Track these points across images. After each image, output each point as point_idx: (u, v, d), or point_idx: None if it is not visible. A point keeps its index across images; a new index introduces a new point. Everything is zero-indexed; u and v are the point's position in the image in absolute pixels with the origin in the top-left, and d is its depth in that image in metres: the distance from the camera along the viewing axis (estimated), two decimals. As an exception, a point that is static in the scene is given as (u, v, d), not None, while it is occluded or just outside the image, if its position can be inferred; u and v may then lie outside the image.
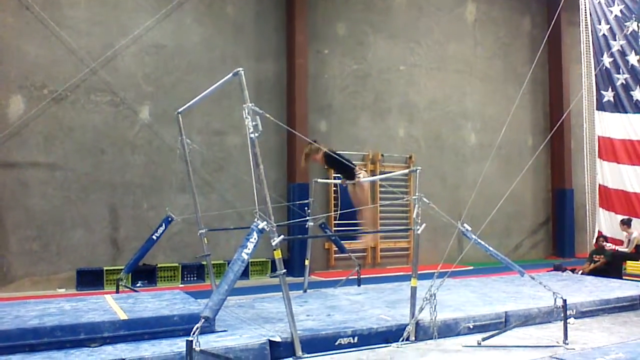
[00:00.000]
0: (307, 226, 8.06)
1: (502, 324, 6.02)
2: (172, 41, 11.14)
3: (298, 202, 9.36)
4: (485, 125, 14.70)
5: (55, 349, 4.69)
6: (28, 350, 4.64)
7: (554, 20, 11.86)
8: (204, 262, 9.73)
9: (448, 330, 5.71)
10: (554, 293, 5.45)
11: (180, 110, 7.08)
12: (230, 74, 5.49)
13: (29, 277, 9.83)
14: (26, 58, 9.93)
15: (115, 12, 10.62)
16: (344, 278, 8.84)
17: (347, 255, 9.77)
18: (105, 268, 10.16)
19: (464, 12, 14.65)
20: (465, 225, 5.81)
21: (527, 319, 5.98)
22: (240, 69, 5.32)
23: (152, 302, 5.91)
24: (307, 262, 8.27)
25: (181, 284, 10.51)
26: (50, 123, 10.07)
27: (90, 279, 10.02)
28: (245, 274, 10.30)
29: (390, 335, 5.43)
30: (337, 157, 6.88)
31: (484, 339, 5.40)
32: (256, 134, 5.07)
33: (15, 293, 9.42)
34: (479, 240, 5.77)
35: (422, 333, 5.53)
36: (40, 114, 9.96)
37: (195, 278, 10.84)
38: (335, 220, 11.66)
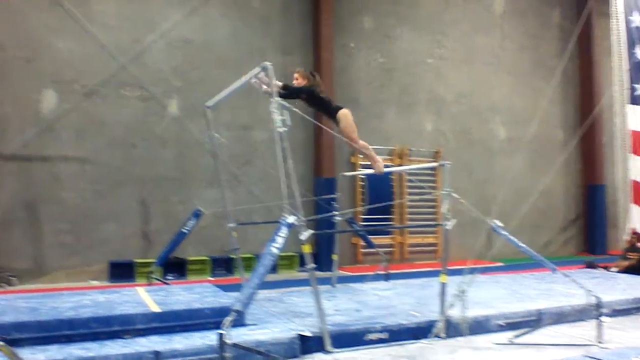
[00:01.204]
0: (334, 221, 8.06)
1: (534, 321, 5.94)
2: (199, 35, 11.22)
3: (325, 197, 9.36)
4: (513, 119, 14.49)
5: (90, 340, 4.77)
6: (64, 341, 4.72)
7: (584, 12, 11.60)
8: (233, 256, 9.79)
9: (479, 327, 5.66)
10: (587, 291, 5.36)
11: (208, 104, 7.12)
12: (258, 68, 5.51)
13: (63, 269, 10.04)
14: (58, 54, 10.11)
15: (143, 7, 10.74)
16: (372, 273, 8.84)
17: (374, 250, 9.77)
18: (136, 260, 10.33)
19: (491, 3, 14.44)
20: (495, 221, 5.75)
21: (560, 317, 5.90)
22: (268, 62, 5.33)
23: (183, 295, 5.99)
24: (334, 257, 8.28)
25: (211, 277, 10.62)
26: (81, 118, 10.25)
27: (122, 271, 10.19)
28: (273, 268, 10.33)
29: (419, 332, 5.42)
30: (322, 97, 6.46)
31: (515, 337, 5.35)
32: (284, 129, 5.08)
33: (49, 285, 9.63)
34: (510, 236, 5.71)
35: (452, 330, 5.49)
36: (72, 109, 10.15)
37: (224, 271, 10.95)
38: (362, 214, 11.64)
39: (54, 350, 4.52)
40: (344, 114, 6.34)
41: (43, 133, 9.96)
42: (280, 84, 6.04)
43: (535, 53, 14.94)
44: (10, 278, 9.54)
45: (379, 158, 6.80)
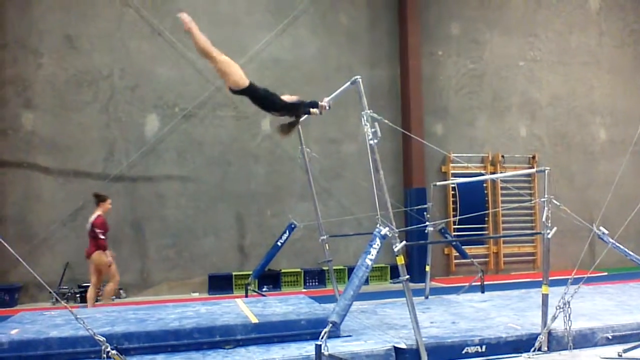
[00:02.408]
0: (426, 231, 7.97)
1: (645, 335, 5.57)
2: (289, 54, 11.55)
3: (416, 207, 9.29)
4: (615, 120, 13.68)
5: (193, 350, 5.00)
6: (170, 351, 4.98)
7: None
8: (325, 268, 9.96)
9: (584, 340, 5.38)
10: None
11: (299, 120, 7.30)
12: (349, 82, 5.59)
13: (166, 282, 10.63)
14: (159, 80, 10.78)
15: (235, 31, 11.22)
16: (466, 284, 8.64)
17: (468, 260, 9.54)
18: (234, 273, 10.73)
19: (586, 0, 13.76)
20: (601, 228, 5.46)
21: (675, 330, 5.48)
22: (358, 77, 5.41)
23: (280, 307, 6.15)
24: (427, 268, 8.18)
25: (304, 288, 10.82)
26: (182, 138, 10.85)
27: (220, 284, 10.62)
28: (365, 280, 10.38)
29: (520, 345, 5.23)
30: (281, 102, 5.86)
31: (625, 351, 5.03)
32: (375, 140, 5.12)
33: (154, 297, 10.23)
34: (617, 244, 5.40)
35: (555, 343, 5.25)
36: (173, 131, 10.77)
37: (316, 283, 11.12)
38: (454, 224, 11.42)
39: (160, 359, 4.79)
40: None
41: (147, 155, 10.64)
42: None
43: (637, 49, 14.06)
44: (120, 291, 10.22)
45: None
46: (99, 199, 8.53)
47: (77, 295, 9.85)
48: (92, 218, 8.32)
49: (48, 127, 10.26)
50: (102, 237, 8.20)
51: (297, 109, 5.87)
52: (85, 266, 10.17)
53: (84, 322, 4.24)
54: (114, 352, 4.19)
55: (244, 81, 5.66)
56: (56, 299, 8.96)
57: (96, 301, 8.40)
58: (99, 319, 5.59)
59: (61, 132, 10.30)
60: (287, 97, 5.86)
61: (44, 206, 10.14)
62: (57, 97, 10.32)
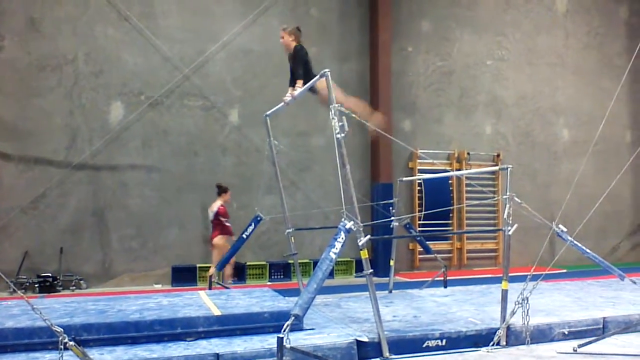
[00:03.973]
0: (391, 226, 8.02)
1: (599, 330, 5.73)
2: (259, 45, 11.46)
3: (382, 202, 9.36)
4: (578, 121, 14.01)
5: (154, 342, 4.94)
6: (130, 343, 4.91)
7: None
8: (291, 261, 9.93)
9: (541, 335, 5.51)
10: (658, 299, 5.13)
11: (268, 113, 7.28)
12: (318, 75, 5.58)
13: (128, 273, 10.46)
14: (125, 66, 10.57)
15: (205, 19, 11.08)
16: (429, 279, 8.75)
17: (432, 256, 9.64)
18: (198, 265, 10.63)
19: (554, 2, 14.04)
20: (560, 226, 5.59)
21: (628, 326, 5.65)
22: (327, 70, 5.39)
23: (243, 299, 6.12)
24: (392, 263, 8.25)
25: (269, 281, 10.81)
26: (147, 127, 10.67)
27: (184, 275, 10.52)
28: (330, 273, 10.41)
29: (479, 339, 5.32)
30: (305, 59, 6.41)
31: (580, 346, 5.17)
32: (342, 135, 5.12)
33: (116, 288, 10.08)
34: (576, 242, 5.54)
35: (514, 338, 5.37)
36: (138, 119, 10.58)
37: (282, 276, 11.12)
38: (420, 220, 11.54)
39: (120, 351, 4.71)
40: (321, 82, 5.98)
41: (111, 143, 10.43)
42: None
43: (601, 52, 14.41)
44: (80, 282, 10.03)
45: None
46: (221, 189, 9.56)
47: (36, 286, 9.63)
48: (215, 207, 9.39)
49: (9, 112, 9.96)
50: (228, 224, 9.37)
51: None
52: (44, 255, 9.99)
53: (40, 313, 4.13)
54: (71, 343, 4.10)
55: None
56: (13, 289, 8.73)
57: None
58: (57, 310, 5.48)
59: (23, 117, 10.02)
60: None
61: (3, 193, 9.85)
62: (19, 82, 10.02)
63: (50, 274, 9.77)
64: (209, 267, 10.04)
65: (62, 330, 4.11)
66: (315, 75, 5.87)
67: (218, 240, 9.41)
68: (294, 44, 6.57)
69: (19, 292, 4.64)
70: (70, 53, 10.29)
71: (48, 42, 10.17)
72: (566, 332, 5.63)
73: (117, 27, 10.54)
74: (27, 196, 9.91)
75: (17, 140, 9.96)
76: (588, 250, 6.04)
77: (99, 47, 10.46)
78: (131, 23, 10.54)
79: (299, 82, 6.24)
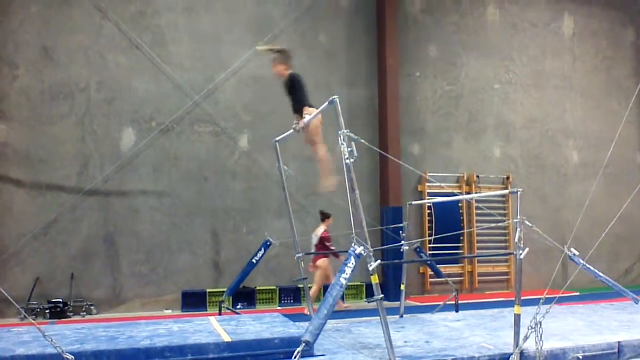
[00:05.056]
0: (401, 250, 7.99)
1: (614, 354, 5.64)
2: (268, 72, 11.41)
3: (392, 226, 9.33)
4: (588, 143, 14.00)
5: (165, 369, 4.93)
6: (141, 369, 4.90)
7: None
8: (301, 285, 9.90)
9: (555, 360, 5.43)
10: (673, 323, 5.05)
11: (277, 139, 7.33)
12: (326, 102, 5.63)
13: (138, 299, 10.46)
14: (136, 93, 10.73)
15: (215, 47, 11.24)
16: (441, 303, 8.67)
17: (443, 279, 9.61)
18: (208, 290, 10.61)
19: (560, 26, 14.14)
20: (572, 249, 5.54)
21: (643, 351, 5.57)
22: (336, 96, 5.43)
23: (253, 325, 6.09)
24: (402, 287, 8.19)
25: (278, 306, 10.76)
26: (158, 153, 10.77)
27: (194, 301, 10.50)
28: (341, 298, 10.37)
29: (492, 364, 5.25)
30: (301, 85, 6.31)
31: (595, 371, 5.10)
32: (351, 160, 5.14)
33: (126, 313, 10.07)
34: (588, 266, 5.49)
35: (527, 363, 5.29)
36: (149, 145, 10.69)
37: (292, 300, 11.06)
38: (430, 243, 11.49)
39: (132, 377, 4.70)
40: (312, 111, 6.10)
41: (122, 169, 10.53)
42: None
43: (609, 74, 14.46)
44: (91, 307, 10.04)
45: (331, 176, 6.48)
46: (324, 215, 10.09)
47: (47, 311, 9.64)
48: (319, 232, 9.87)
49: (22, 139, 10.10)
50: (333, 247, 9.85)
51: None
52: (55, 281, 10.02)
53: (52, 340, 4.15)
54: (82, 370, 4.10)
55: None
56: (24, 315, 8.73)
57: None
58: (68, 336, 5.47)
59: (35, 144, 10.16)
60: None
61: (15, 219, 9.94)
62: (32, 109, 10.18)
63: (61, 300, 9.78)
64: (220, 291, 10.02)
65: (73, 357, 4.12)
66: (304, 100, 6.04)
67: (322, 262, 9.84)
68: (287, 71, 6.53)
69: (29, 318, 4.65)
70: (82, 81, 10.47)
71: (61, 70, 10.36)
72: (580, 357, 5.54)
73: (129, 55, 10.72)
74: (39, 222, 9.99)
75: (29, 166, 10.09)
76: (601, 274, 5.99)
77: (111, 74, 10.63)
78: (142, 51, 10.72)
79: (307, 110, 6.26)
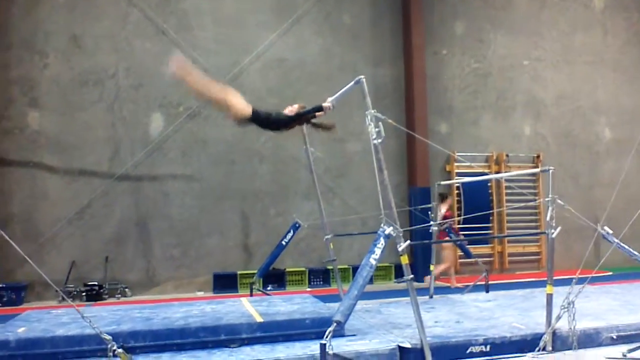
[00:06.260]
0: (431, 230, 7.97)
1: (649, 334, 5.56)
2: (292, 54, 11.57)
3: (420, 207, 9.30)
4: (620, 119, 13.65)
5: (199, 349, 5.01)
6: (175, 349, 5.00)
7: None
8: (330, 267, 9.96)
9: (588, 340, 5.38)
10: None
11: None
12: (352, 82, 5.58)
13: (171, 281, 10.67)
14: (164, 79, 10.77)
15: (240, 31, 11.24)
16: (471, 284, 8.65)
17: (473, 260, 9.56)
18: (238, 272, 10.76)
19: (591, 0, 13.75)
20: (605, 228, 5.45)
21: (680, 330, 5.48)
22: (362, 76, 5.39)
23: (284, 306, 6.18)
24: (432, 267, 8.19)
25: (308, 287, 10.85)
26: (186, 138, 10.88)
27: (225, 283, 10.66)
28: (370, 279, 10.40)
29: (525, 345, 5.23)
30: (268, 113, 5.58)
31: (629, 351, 5.02)
32: (379, 140, 5.11)
33: (159, 295, 10.27)
34: (622, 244, 5.40)
35: (560, 343, 5.25)
36: (177, 130, 10.80)
37: (321, 282, 11.14)
38: (459, 224, 11.42)
39: (166, 357, 4.81)
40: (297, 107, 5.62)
41: (152, 154, 10.68)
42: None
43: (642, 48, 14.03)
44: (125, 290, 10.27)
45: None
46: (443, 196, 10.29)
47: (83, 294, 9.90)
48: (442, 212, 9.78)
49: (54, 126, 10.31)
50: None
51: (303, 117, 5.73)
52: (90, 265, 10.28)
53: (90, 321, 4.27)
54: (120, 350, 4.22)
55: (247, 109, 5.46)
56: (62, 298, 9.00)
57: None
58: (105, 318, 5.63)
59: (67, 131, 10.35)
60: (288, 110, 5.75)
61: (50, 205, 10.19)
62: (63, 97, 10.37)
63: (96, 283, 10.03)
64: (250, 273, 10.14)
65: (110, 337, 4.23)
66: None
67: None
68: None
69: (68, 300, 4.79)
70: (110, 68, 10.60)
71: (89, 57, 10.50)
72: (614, 337, 5.48)
73: (155, 41, 10.80)
74: (73, 207, 10.22)
75: (61, 153, 10.30)
76: (635, 252, 5.88)
77: (138, 60, 10.73)
78: (168, 36, 10.78)
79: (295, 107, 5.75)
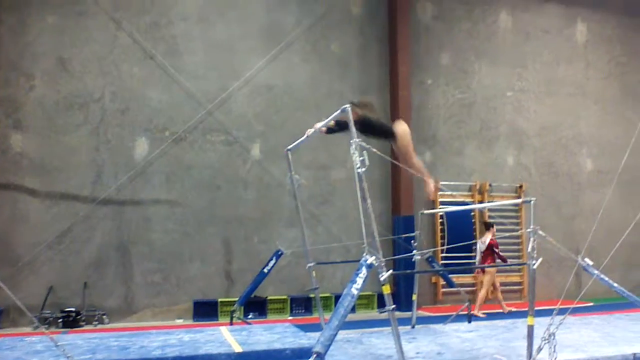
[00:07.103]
0: (413, 260, 7.95)
1: (630, 367, 5.55)
2: (281, 81, 11.65)
3: (404, 235, 9.30)
4: (602, 150, 13.87)
5: (176, 379, 4.93)
6: (152, 379, 4.92)
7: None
8: (312, 295, 9.88)
9: (569, 372, 5.36)
10: (690, 336, 4.97)
11: (289, 148, 7.33)
12: (339, 111, 5.61)
13: (150, 308, 10.50)
14: (150, 104, 10.81)
15: (228, 56, 11.31)
16: (453, 314, 8.61)
17: (455, 290, 9.54)
18: (219, 300, 10.62)
19: (574, 33, 14.06)
20: (586, 259, 5.48)
21: (660, 363, 5.48)
22: (348, 105, 5.42)
23: (265, 335, 6.09)
24: (414, 297, 8.15)
25: (290, 316, 10.74)
26: (171, 162, 10.83)
27: (205, 310, 10.51)
28: (352, 308, 10.31)
29: (505, 377, 5.20)
30: (374, 121, 5.98)
31: (610, 384, 5.02)
32: (363, 169, 5.12)
33: (138, 323, 10.10)
34: (602, 276, 5.42)
35: (541, 375, 5.23)
36: (162, 155, 10.76)
37: (303, 310, 11.04)
38: (442, 253, 11.43)
39: (143, 387, 4.72)
40: (403, 130, 6.08)
41: (135, 178, 10.61)
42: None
43: (623, 81, 14.35)
44: (103, 316, 10.09)
45: (432, 181, 6.45)
46: (488, 225, 11.06)
47: (59, 321, 9.70)
48: (487, 240, 10.72)
49: (37, 148, 10.22)
50: (501, 253, 10.81)
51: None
52: (68, 290, 10.09)
53: (64, 350, 4.18)
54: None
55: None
56: (37, 325, 8.79)
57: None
58: (80, 346, 5.51)
59: (50, 154, 10.26)
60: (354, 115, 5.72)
61: (30, 228, 10.04)
62: (47, 119, 10.30)
63: (73, 309, 9.84)
64: (231, 301, 10.03)
65: (85, 367, 4.13)
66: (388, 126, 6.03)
67: (491, 269, 10.75)
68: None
69: (42, 327, 4.69)
70: (97, 91, 10.57)
71: (76, 81, 10.48)
72: (595, 369, 5.47)
73: (143, 65, 10.82)
74: (53, 231, 10.07)
75: (44, 176, 10.19)
76: (615, 284, 5.91)
77: (125, 85, 10.73)
78: (156, 61, 10.82)
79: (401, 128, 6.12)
